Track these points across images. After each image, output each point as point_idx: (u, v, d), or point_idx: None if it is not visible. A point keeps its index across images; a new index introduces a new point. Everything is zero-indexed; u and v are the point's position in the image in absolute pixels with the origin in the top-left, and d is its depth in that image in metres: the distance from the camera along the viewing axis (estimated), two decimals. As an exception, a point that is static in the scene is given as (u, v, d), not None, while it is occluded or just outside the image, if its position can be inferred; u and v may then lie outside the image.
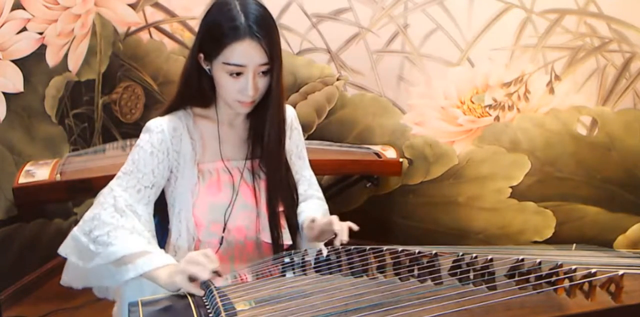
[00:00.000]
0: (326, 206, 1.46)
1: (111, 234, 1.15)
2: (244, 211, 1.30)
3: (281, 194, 1.33)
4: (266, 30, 1.16)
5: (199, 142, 1.28)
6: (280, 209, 1.33)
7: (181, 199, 1.27)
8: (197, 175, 1.27)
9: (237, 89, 1.18)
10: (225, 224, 1.28)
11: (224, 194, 1.28)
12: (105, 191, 1.23)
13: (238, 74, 1.17)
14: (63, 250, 1.24)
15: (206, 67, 1.22)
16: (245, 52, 1.14)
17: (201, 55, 1.21)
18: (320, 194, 1.47)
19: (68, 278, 1.28)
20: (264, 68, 1.18)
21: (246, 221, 1.30)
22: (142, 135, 1.26)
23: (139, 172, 1.22)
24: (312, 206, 1.42)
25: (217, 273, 1.06)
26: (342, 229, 1.19)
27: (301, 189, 1.42)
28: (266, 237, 1.32)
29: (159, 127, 1.24)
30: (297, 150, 1.43)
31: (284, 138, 1.33)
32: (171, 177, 1.28)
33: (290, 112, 1.38)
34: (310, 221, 1.29)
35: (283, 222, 1.35)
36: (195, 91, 1.26)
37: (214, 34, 1.16)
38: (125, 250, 1.14)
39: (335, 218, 1.23)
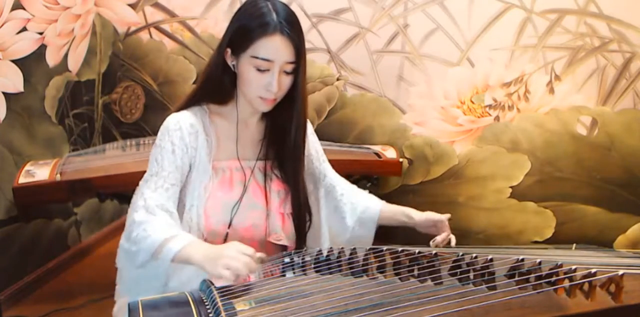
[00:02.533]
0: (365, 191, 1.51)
1: (147, 228, 1.16)
2: (253, 211, 1.30)
3: (301, 197, 1.34)
4: (296, 30, 1.20)
5: (214, 140, 1.29)
6: (289, 211, 1.34)
7: (193, 195, 1.27)
8: (211, 172, 1.28)
9: (261, 85, 1.21)
10: (231, 220, 1.27)
11: (235, 192, 1.29)
12: (136, 196, 1.24)
13: (265, 69, 1.19)
14: (118, 262, 1.27)
15: (231, 63, 1.24)
16: (275, 48, 1.18)
17: (228, 49, 1.23)
18: (353, 186, 1.51)
19: (122, 290, 1.29)
20: (290, 67, 1.21)
21: (255, 221, 1.30)
22: (160, 134, 1.27)
23: (164, 171, 1.23)
24: (363, 197, 1.47)
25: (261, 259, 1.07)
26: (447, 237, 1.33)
27: (339, 190, 1.45)
28: (274, 238, 1.32)
29: (176, 124, 1.25)
30: (317, 154, 1.45)
31: (305, 141, 1.34)
32: (188, 173, 1.28)
33: None
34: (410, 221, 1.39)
35: (290, 225, 1.35)
36: (216, 86, 1.28)
37: (245, 29, 1.19)
38: (161, 236, 1.14)
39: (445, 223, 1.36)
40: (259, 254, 1.08)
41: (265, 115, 1.34)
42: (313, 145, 1.44)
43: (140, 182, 1.27)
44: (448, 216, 1.37)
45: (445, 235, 1.34)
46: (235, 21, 1.23)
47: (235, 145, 1.31)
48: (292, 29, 1.18)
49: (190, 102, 1.30)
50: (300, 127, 1.31)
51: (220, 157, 1.30)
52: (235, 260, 1.04)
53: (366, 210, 1.43)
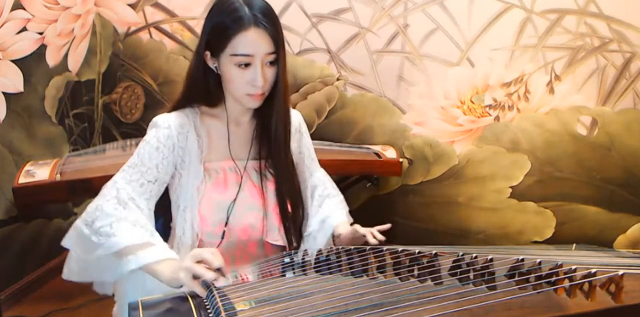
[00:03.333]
0: (343, 201, 1.46)
1: (114, 225, 1.14)
2: (250, 211, 1.30)
3: (289, 195, 1.33)
4: (270, 19, 1.18)
5: (206, 140, 1.28)
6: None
7: (186, 196, 1.27)
8: (204, 173, 1.27)
9: (246, 81, 1.19)
10: (227, 219, 1.27)
11: (230, 193, 1.28)
12: (109, 184, 1.23)
13: (246, 65, 1.18)
14: (66, 241, 1.23)
15: (213, 65, 1.23)
16: (252, 42, 1.16)
17: (207, 53, 1.22)
18: (336, 190, 1.48)
19: (69, 272, 1.25)
20: (271, 57, 1.19)
21: (252, 222, 1.30)
22: (149, 131, 1.26)
23: (143, 166, 1.22)
24: (333, 206, 1.41)
25: (221, 272, 1.05)
26: (369, 232, 1.24)
27: (319, 191, 1.43)
28: (272, 238, 1.32)
29: (165, 122, 1.25)
30: (309, 153, 1.44)
31: (289, 135, 1.33)
32: (175, 174, 1.28)
33: (297, 116, 1.39)
34: (337, 237, 1.31)
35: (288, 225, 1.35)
36: (202, 91, 1.27)
37: (219, 28, 1.18)
38: (127, 241, 1.13)
39: (357, 227, 1.26)
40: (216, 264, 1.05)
41: (255, 114, 1.33)
42: (306, 145, 1.43)
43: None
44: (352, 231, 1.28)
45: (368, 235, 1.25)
46: (208, 22, 1.22)
47: (228, 145, 1.30)
48: (266, 19, 1.17)
49: (180, 105, 1.29)
50: (281, 116, 1.28)
51: (213, 158, 1.29)
52: (189, 280, 1.04)
53: (325, 220, 1.38)
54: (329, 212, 1.40)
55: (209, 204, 1.26)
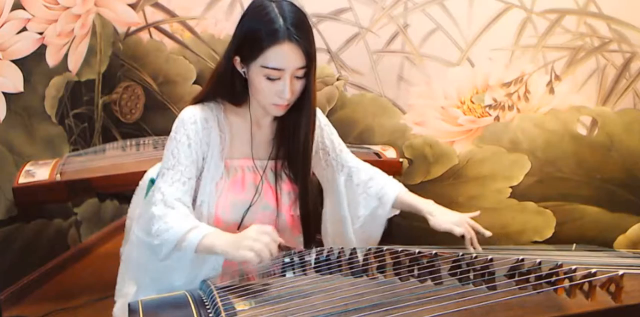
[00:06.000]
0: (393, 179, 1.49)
1: (168, 221, 1.17)
2: (264, 211, 1.30)
3: (309, 198, 1.33)
4: (304, 33, 1.17)
5: (228, 137, 1.28)
6: (299, 213, 1.34)
7: (204, 191, 1.27)
8: (223, 169, 1.27)
9: (273, 92, 1.19)
10: (241, 223, 1.27)
11: (247, 193, 1.29)
12: (155, 192, 1.24)
13: (276, 78, 1.18)
14: (139, 258, 1.29)
15: (241, 70, 1.23)
16: (284, 56, 1.15)
17: (237, 58, 1.22)
18: (375, 169, 1.49)
19: (144, 285, 1.30)
20: (301, 72, 1.19)
21: (265, 222, 1.29)
22: (175, 127, 1.26)
23: (181, 165, 1.22)
24: (388, 181, 1.46)
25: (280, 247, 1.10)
26: (470, 240, 1.29)
27: (356, 178, 1.44)
28: (282, 240, 1.32)
29: (192, 117, 1.24)
30: (334, 145, 1.44)
31: (312, 141, 1.33)
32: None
33: (317, 113, 1.38)
34: (429, 214, 1.39)
35: (299, 227, 1.34)
36: (229, 91, 1.27)
37: (253, 37, 1.17)
38: (182, 228, 1.15)
39: (455, 227, 1.31)
40: (279, 239, 1.09)
41: (277, 117, 1.32)
42: (329, 136, 1.42)
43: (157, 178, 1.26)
44: (466, 226, 1.32)
45: (468, 240, 1.31)
46: (241, 27, 1.21)
47: (249, 145, 1.30)
48: (300, 33, 1.15)
49: (205, 99, 1.29)
50: (309, 126, 1.29)
51: (233, 155, 1.29)
52: (257, 241, 1.06)
53: (379, 205, 1.42)
54: (381, 193, 1.43)
55: (225, 203, 1.27)
